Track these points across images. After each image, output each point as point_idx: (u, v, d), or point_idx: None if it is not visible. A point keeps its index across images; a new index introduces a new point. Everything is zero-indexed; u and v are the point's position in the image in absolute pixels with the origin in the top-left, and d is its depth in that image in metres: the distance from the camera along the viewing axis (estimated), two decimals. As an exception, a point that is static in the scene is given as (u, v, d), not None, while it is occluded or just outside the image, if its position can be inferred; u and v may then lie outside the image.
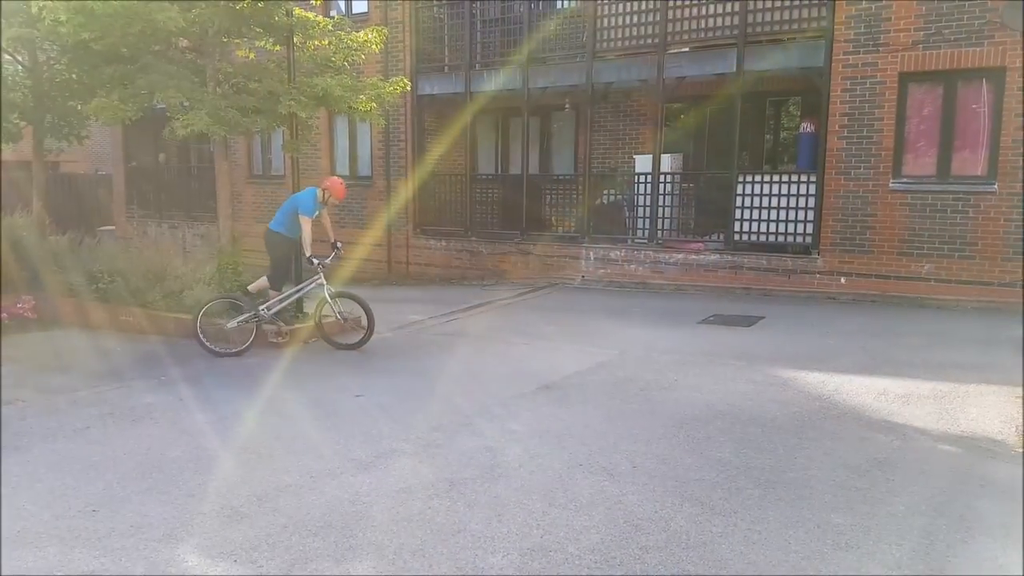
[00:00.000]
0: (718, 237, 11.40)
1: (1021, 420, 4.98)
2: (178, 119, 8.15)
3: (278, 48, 9.18)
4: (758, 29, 10.61)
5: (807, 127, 10.93)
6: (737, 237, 11.07)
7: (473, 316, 9.74)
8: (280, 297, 7.84)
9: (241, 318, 7.68)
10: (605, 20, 11.88)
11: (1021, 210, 9.13)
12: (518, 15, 12.76)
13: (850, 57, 9.93)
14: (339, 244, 7.96)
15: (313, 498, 4.04)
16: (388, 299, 11.41)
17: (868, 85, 9.86)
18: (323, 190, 7.74)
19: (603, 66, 11.94)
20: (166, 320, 8.44)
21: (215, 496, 4.10)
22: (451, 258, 13.81)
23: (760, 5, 10.54)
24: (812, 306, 9.81)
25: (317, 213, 7.73)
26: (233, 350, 7.57)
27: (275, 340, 7.83)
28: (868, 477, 4.20)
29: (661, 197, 11.67)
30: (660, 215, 11.73)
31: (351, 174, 15.28)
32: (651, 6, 11.37)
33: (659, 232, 11.78)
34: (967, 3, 9.19)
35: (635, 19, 11.60)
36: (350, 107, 8.87)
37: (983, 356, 6.86)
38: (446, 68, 13.81)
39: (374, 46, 9.24)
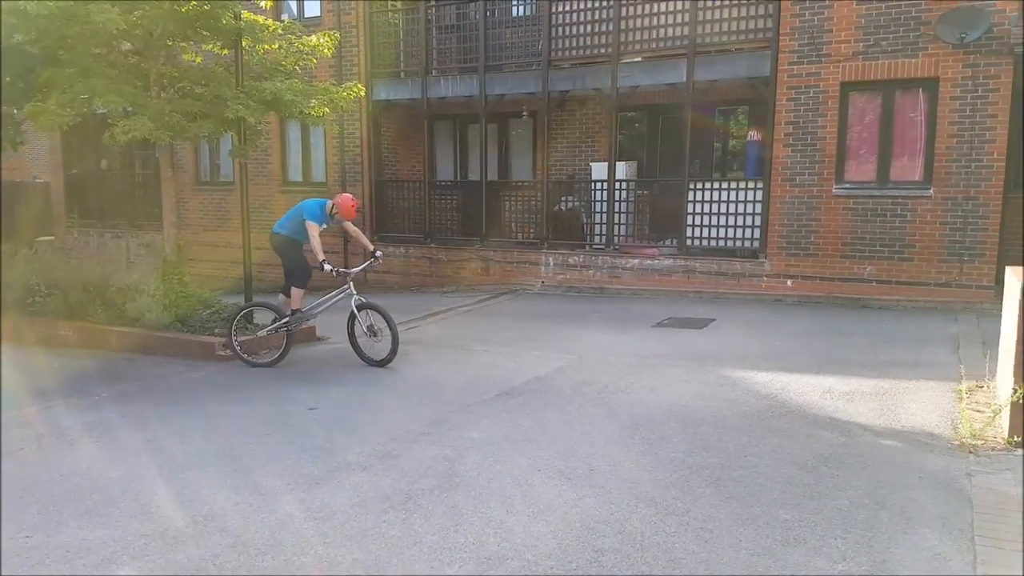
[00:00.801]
0: (672, 242, 11.63)
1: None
2: (119, 124, 7.93)
3: (226, 52, 9.04)
4: (707, 40, 10.87)
5: (754, 135, 11.25)
6: (689, 242, 11.32)
7: (432, 323, 9.72)
8: (312, 306, 7.63)
9: (272, 326, 7.54)
10: (560, 29, 12.03)
11: (955, 214, 9.54)
12: (474, 22, 12.84)
13: (794, 67, 10.25)
14: (378, 253, 7.54)
15: (262, 516, 3.96)
16: (345, 307, 11.32)
17: (811, 94, 10.19)
18: (332, 204, 7.41)
19: (559, 74, 12.08)
20: (108, 334, 8.16)
21: (158, 517, 3.97)
22: (410, 265, 13.76)
23: (708, 16, 10.81)
24: (761, 308, 10.07)
25: (325, 225, 7.46)
26: (266, 360, 7.47)
27: (222, 353, 7.66)
28: (815, 473, 4.34)
29: (617, 204, 11.88)
30: (616, 221, 11.92)
31: (304, 180, 15.14)
32: (604, 16, 11.56)
33: (616, 238, 11.96)
34: (903, 16, 9.57)
35: (589, 28, 11.77)
36: (301, 112, 8.79)
37: (921, 354, 7.14)
38: (402, 74, 13.79)
39: (326, 50, 9.19)
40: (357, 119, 13.94)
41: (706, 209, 11.18)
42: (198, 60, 9.50)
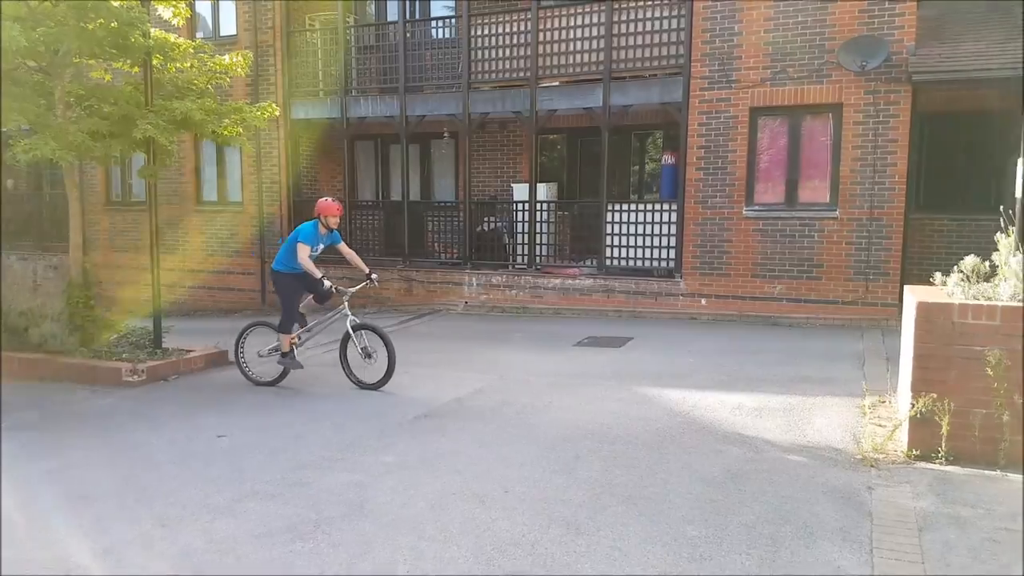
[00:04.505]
0: (592, 262, 11.81)
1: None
2: (19, 144, 7.57)
3: (136, 70, 8.74)
4: (622, 66, 11.16)
5: (668, 159, 11.59)
6: (609, 262, 11.51)
7: (350, 346, 9.52)
8: (308, 327, 7.44)
9: (273, 346, 7.36)
10: (479, 52, 12.13)
11: (860, 234, 10.02)
12: (393, 43, 12.81)
13: (705, 93, 10.61)
14: (374, 275, 7.37)
15: (163, 547, 3.79)
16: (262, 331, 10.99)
17: (722, 119, 10.57)
18: (318, 217, 7.11)
19: (479, 97, 12.16)
20: (10, 361, 7.75)
21: (52, 553, 3.76)
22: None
23: (623, 43, 11.10)
24: (677, 326, 10.30)
25: (321, 245, 7.21)
26: (266, 379, 7.34)
27: (130, 379, 7.33)
28: (722, 489, 4.42)
29: (538, 224, 12.00)
30: (538, 242, 12.03)
31: (220, 200, 14.72)
32: (522, 40, 11.73)
33: (537, 258, 12.06)
34: (808, 44, 10.06)
35: (508, 52, 11.92)
36: (213, 132, 8.55)
37: (828, 370, 7.41)
38: (321, 93, 13.61)
39: (239, 70, 9.00)
40: (275, 138, 13.67)
41: (624, 230, 11.41)
42: (108, 78, 9.16)
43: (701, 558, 3.57)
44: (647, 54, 11.03)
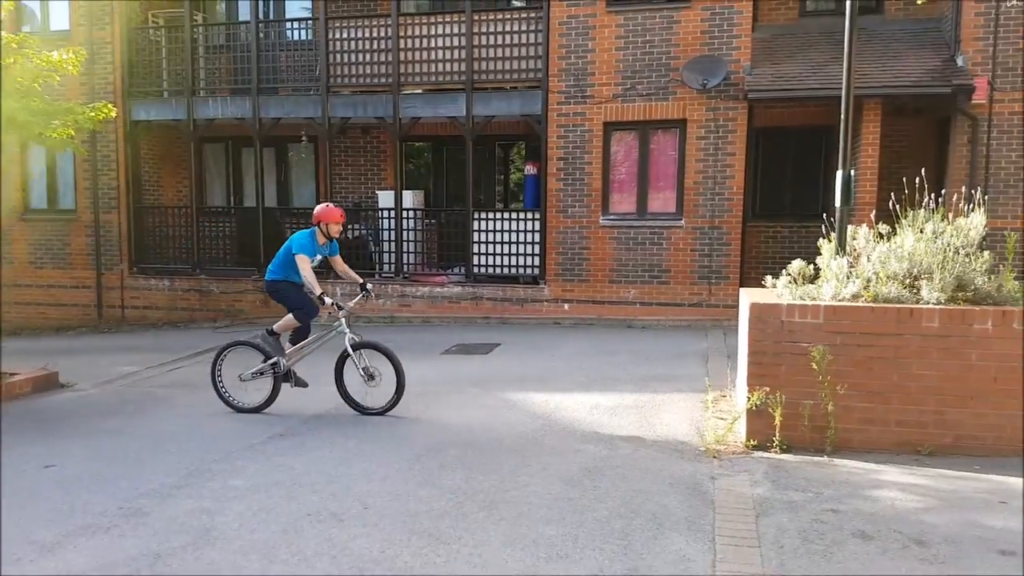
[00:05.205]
0: (460, 270, 11.86)
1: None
2: None
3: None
4: (484, 77, 11.32)
5: (531, 169, 11.89)
6: (476, 270, 11.62)
7: (201, 363, 8.97)
8: (299, 346, 6.63)
9: (256, 368, 6.51)
10: (339, 56, 11.88)
11: (704, 242, 10.70)
12: (245, 43, 12.29)
13: (563, 107, 10.98)
14: (368, 286, 6.67)
15: (-24, 593, 3.41)
16: (98, 348, 10.18)
17: (579, 132, 10.97)
18: (318, 224, 6.49)
19: (339, 101, 11.91)
20: None
21: None
22: (176, 299, 12.69)
23: (485, 54, 11.27)
24: (542, 331, 10.55)
25: (319, 256, 6.54)
26: (252, 404, 6.56)
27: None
28: (579, 487, 4.57)
29: (405, 232, 11.91)
30: (405, 250, 11.93)
31: (50, 207, 13.53)
32: (383, 46, 11.61)
33: (405, 266, 11.96)
34: (655, 63, 10.64)
35: (369, 57, 11.76)
36: (40, 134, 7.83)
37: (676, 368, 7.85)
38: (166, 93, 12.84)
39: (71, 68, 8.29)
40: (113, 141, 12.70)
41: (491, 238, 11.57)
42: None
43: (558, 557, 3.66)
44: (508, 67, 11.26)
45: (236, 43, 12.51)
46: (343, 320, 6.39)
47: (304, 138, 12.93)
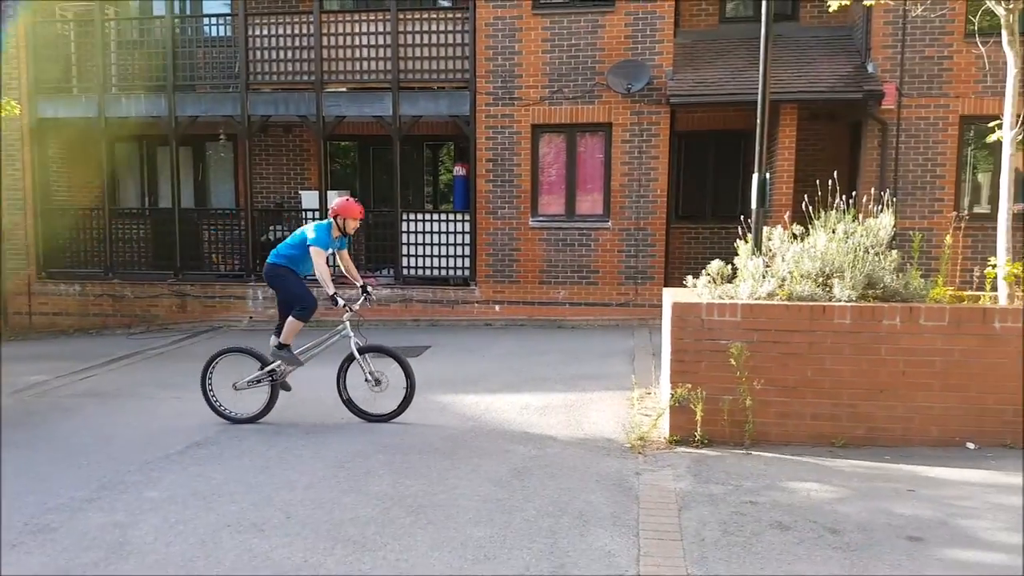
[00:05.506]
0: (389, 272, 11.70)
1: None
2: None
3: None
4: (411, 76, 11.20)
5: (460, 171, 11.83)
6: (406, 272, 11.49)
7: (114, 371, 8.59)
8: (300, 351, 6.16)
9: (251, 376, 6.08)
10: (259, 52, 11.56)
11: (629, 243, 10.89)
12: (160, 39, 11.81)
13: (491, 108, 10.97)
14: (369, 288, 6.36)
15: None
16: (3, 357, 9.57)
17: (507, 134, 10.99)
18: (334, 218, 6.10)
19: (259, 98, 11.58)
20: None
21: None
22: (88, 304, 12.08)
23: (411, 53, 11.16)
24: (473, 333, 10.52)
25: (331, 250, 6.15)
26: (246, 415, 6.18)
27: None
28: (508, 488, 4.56)
29: (328, 234, 11.62)
30: (329, 252, 11.66)
31: (-53, 209, 12.61)
32: (306, 43, 11.36)
33: (331, 268, 11.67)
34: (581, 66, 10.76)
35: (291, 55, 11.49)
36: (-68, 130, 7.31)
37: (604, 367, 7.96)
38: (75, 90, 12.21)
39: (-33, 59, 7.78)
40: (18, 139, 12.00)
41: (421, 240, 11.45)
42: None
43: (485, 558, 3.64)
44: (435, 66, 11.17)
45: (151, 39, 12.03)
46: (347, 323, 6.13)
47: (223, 136, 12.52)
